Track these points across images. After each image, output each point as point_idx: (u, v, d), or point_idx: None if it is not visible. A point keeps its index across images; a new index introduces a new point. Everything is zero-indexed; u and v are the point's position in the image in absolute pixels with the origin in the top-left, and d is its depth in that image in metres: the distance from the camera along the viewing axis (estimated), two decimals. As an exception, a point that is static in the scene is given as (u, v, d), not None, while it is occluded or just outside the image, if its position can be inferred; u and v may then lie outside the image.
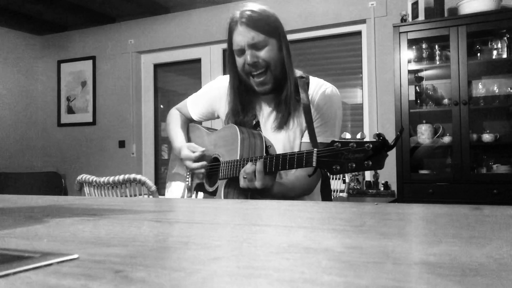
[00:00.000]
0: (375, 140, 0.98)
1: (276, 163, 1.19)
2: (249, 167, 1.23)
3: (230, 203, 1.00)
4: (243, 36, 1.34)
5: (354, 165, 1.00)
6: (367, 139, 1.01)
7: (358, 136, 1.03)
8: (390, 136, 3.54)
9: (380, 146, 0.97)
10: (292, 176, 1.38)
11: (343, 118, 1.51)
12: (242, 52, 1.36)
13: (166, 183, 1.71)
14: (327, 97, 1.41)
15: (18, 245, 0.47)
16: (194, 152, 1.46)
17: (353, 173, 3.53)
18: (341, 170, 1.02)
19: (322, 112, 1.40)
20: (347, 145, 1.01)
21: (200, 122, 1.71)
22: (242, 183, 1.25)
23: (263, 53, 1.35)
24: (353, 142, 1.00)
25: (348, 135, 1.07)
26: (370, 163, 0.98)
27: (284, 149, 1.41)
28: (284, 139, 1.41)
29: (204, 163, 1.46)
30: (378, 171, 3.55)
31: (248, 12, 1.34)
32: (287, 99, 1.38)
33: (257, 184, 1.21)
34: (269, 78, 1.37)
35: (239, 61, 1.38)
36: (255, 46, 1.34)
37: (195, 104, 1.63)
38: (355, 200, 3.33)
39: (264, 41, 1.34)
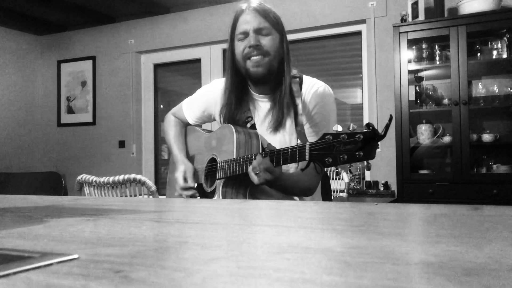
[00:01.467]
0: (365, 130, 0.98)
1: (270, 159, 1.21)
2: (257, 163, 1.22)
3: (229, 203, 1.00)
4: (250, 20, 1.37)
5: (346, 157, 1.01)
6: (357, 130, 1.02)
7: (349, 127, 1.04)
8: (390, 136, 3.53)
9: (371, 136, 0.98)
10: (295, 173, 1.40)
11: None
12: (245, 35, 1.37)
13: (167, 184, 1.71)
14: (319, 96, 1.41)
15: (18, 245, 0.47)
16: (186, 180, 1.47)
17: (352, 173, 3.53)
18: (334, 163, 1.03)
19: (315, 111, 1.40)
20: (338, 137, 1.02)
21: (198, 126, 1.71)
22: (257, 179, 1.23)
23: (266, 40, 1.37)
24: (344, 134, 1.01)
25: (339, 128, 1.07)
26: (362, 153, 0.99)
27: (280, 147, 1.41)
28: (280, 141, 1.41)
29: (193, 192, 1.46)
30: (377, 168, 3.55)
31: (256, 2, 1.40)
32: (282, 99, 1.38)
33: (273, 175, 1.21)
34: (266, 62, 1.37)
35: (240, 46, 1.39)
36: (260, 31, 1.37)
37: (190, 109, 1.63)
38: (355, 200, 3.33)
39: (269, 29, 1.37)
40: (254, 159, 1.23)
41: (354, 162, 1.01)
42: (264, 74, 1.38)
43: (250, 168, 1.24)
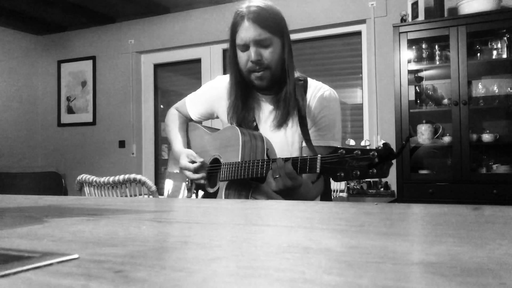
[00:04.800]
0: (380, 148, 0.97)
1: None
2: (278, 166, 1.17)
3: (230, 203, 1.00)
4: (249, 32, 1.33)
5: (358, 173, 0.99)
6: (371, 146, 1.00)
7: (362, 143, 1.02)
8: (390, 136, 3.52)
9: (385, 154, 0.96)
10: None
11: (343, 119, 1.51)
12: (246, 47, 1.36)
13: (165, 181, 1.71)
14: (325, 101, 1.41)
15: (18, 245, 0.47)
16: (193, 162, 1.45)
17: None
18: (345, 177, 1.01)
19: (321, 116, 1.40)
20: (351, 152, 1.00)
21: (200, 122, 1.71)
22: (275, 185, 1.18)
23: (267, 53, 1.35)
24: (358, 150, 0.99)
25: (352, 142, 1.06)
26: (375, 171, 0.97)
27: (281, 150, 1.40)
28: (282, 140, 1.41)
29: (203, 174, 1.45)
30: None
31: (255, 8, 1.34)
32: (287, 98, 1.38)
33: (296, 182, 1.16)
34: (268, 75, 1.37)
35: (242, 56, 1.37)
36: (260, 44, 1.34)
37: (193, 104, 1.63)
38: (355, 200, 3.33)
39: (269, 39, 1.34)
40: (261, 164, 1.22)
41: (367, 178, 1.00)
42: (268, 85, 1.39)
43: (269, 172, 1.19)
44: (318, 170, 1.07)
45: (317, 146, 1.36)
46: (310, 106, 1.40)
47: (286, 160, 1.17)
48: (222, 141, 1.45)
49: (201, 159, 1.45)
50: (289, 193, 1.22)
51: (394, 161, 1.01)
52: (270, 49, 1.35)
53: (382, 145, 0.97)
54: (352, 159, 1.00)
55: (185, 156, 1.48)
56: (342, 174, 1.02)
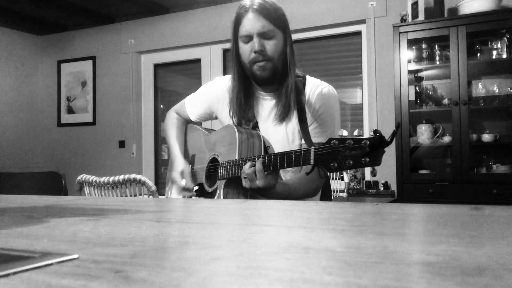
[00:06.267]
0: (372, 136, 0.98)
1: (274, 161, 1.19)
2: (248, 167, 1.23)
3: (230, 203, 1.00)
4: (253, 23, 1.34)
5: (351, 162, 1.00)
6: (364, 136, 1.01)
7: (355, 133, 1.03)
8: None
9: (377, 142, 0.97)
10: (296, 177, 1.38)
11: (342, 118, 1.52)
12: (249, 39, 1.36)
13: (167, 184, 1.71)
14: (324, 98, 1.41)
15: (18, 245, 0.47)
16: (183, 181, 1.48)
17: (352, 172, 3.53)
18: (339, 167, 1.02)
19: (320, 113, 1.40)
20: (344, 142, 1.01)
21: (199, 123, 1.71)
22: (244, 183, 1.25)
23: (270, 45, 1.36)
24: (350, 139, 1.00)
25: (345, 132, 1.07)
26: (368, 159, 0.98)
27: (282, 148, 1.41)
28: (283, 138, 1.41)
29: (192, 194, 1.48)
30: (377, 169, 3.54)
31: (259, 1, 1.36)
32: (288, 92, 1.39)
33: (259, 183, 1.21)
34: (270, 66, 1.37)
35: (245, 48, 1.38)
36: (264, 35, 1.35)
37: (193, 106, 1.63)
38: (355, 200, 3.33)
39: (272, 31, 1.36)
40: (257, 160, 1.23)
41: (360, 167, 1.00)
42: (269, 77, 1.39)
43: (242, 170, 1.25)
44: (312, 162, 1.08)
45: (316, 143, 1.36)
46: (310, 103, 1.41)
47: (280, 153, 1.18)
48: (220, 140, 1.45)
49: (192, 186, 1.48)
50: (261, 192, 1.25)
51: (392, 148, 1.01)
52: (273, 41, 1.36)
53: (373, 133, 0.97)
54: (344, 149, 1.01)
55: (179, 172, 1.51)
56: (335, 164, 1.03)
